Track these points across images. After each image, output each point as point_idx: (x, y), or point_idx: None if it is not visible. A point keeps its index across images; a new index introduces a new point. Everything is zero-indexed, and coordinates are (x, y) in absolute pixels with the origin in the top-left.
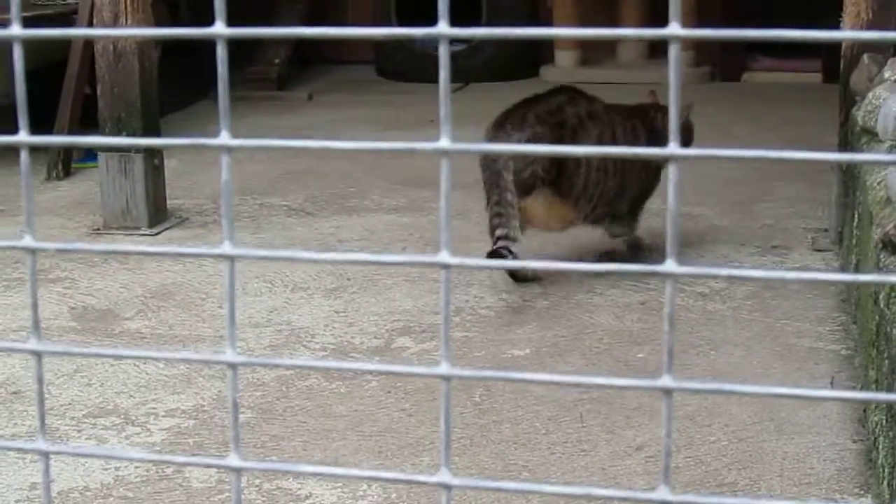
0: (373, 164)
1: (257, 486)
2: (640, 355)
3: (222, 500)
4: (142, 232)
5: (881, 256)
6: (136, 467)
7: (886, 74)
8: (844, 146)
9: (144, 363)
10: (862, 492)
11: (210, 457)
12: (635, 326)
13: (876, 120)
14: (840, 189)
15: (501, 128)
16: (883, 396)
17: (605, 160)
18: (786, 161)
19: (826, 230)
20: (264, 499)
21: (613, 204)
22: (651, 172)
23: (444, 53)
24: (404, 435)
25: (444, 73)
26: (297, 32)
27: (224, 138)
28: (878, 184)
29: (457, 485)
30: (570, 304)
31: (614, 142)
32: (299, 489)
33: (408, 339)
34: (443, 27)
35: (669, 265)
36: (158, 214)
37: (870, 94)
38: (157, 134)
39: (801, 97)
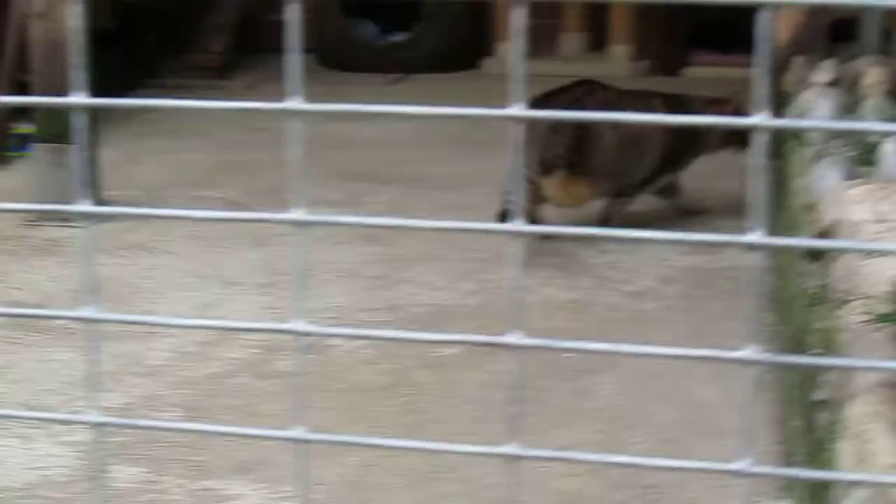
0: (310, 156)
1: (181, 485)
2: (567, 355)
3: (148, 501)
4: (76, 224)
5: (803, 264)
6: (61, 467)
7: (815, 78)
8: (775, 148)
9: (73, 361)
10: (782, 494)
11: (277, 428)
12: (565, 326)
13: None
14: (773, 189)
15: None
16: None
17: (622, 142)
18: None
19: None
20: (190, 499)
21: (625, 184)
22: (660, 155)
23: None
24: (331, 434)
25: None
26: None
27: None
28: (803, 188)
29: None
30: (501, 303)
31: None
32: (224, 489)
33: (339, 338)
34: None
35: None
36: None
37: (799, 97)
38: (94, 123)
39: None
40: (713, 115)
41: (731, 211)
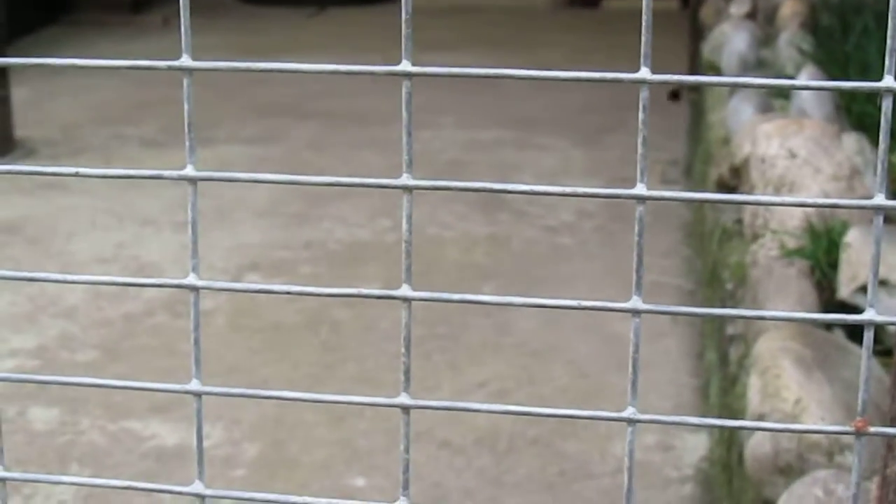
0: (227, 92)
1: (99, 426)
2: (486, 289)
3: (64, 443)
4: None
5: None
6: None
7: (732, 10)
8: None
9: None
10: (696, 429)
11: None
12: (483, 261)
13: (721, 56)
14: (688, 121)
15: None
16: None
17: None
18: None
19: (676, 162)
20: (108, 440)
21: None
22: None
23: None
24: (250, 374)
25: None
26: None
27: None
28: (719, 122)
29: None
30: (419, 239)
31: None
32: (143, 430)
33: (256, 275)
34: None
35: None
36: (5, 145)
37: (716, 30)
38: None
39: (658, 25)
40: None
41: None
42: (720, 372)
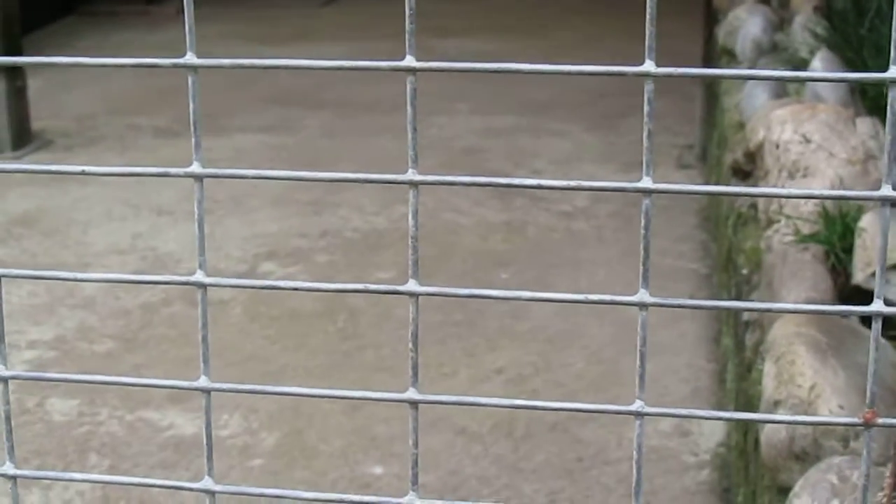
0: (241, 81)
1: (119, 417)
2: (503, 276)
3: (83, 434)
4: (4, 155)
5: (732, 182)
6: None
7: None
8: (707, 63)
9: (7, 293)
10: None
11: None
12: (500, 247)
13: (735, 41)
14: (704, 105)
15: None
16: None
17: None
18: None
19: (692, 146)
20: (126, 430)
21: None
22: None
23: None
24: (267, 363)
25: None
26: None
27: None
28: (734, 106)
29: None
30: (435, 225)
31: None
32: (160, 420)
33: (272, 264)
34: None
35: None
36: (22, 137)
37: (730, 14)
38: (20, 53)
39: (673, 9)
40: None
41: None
42: (736, 357)
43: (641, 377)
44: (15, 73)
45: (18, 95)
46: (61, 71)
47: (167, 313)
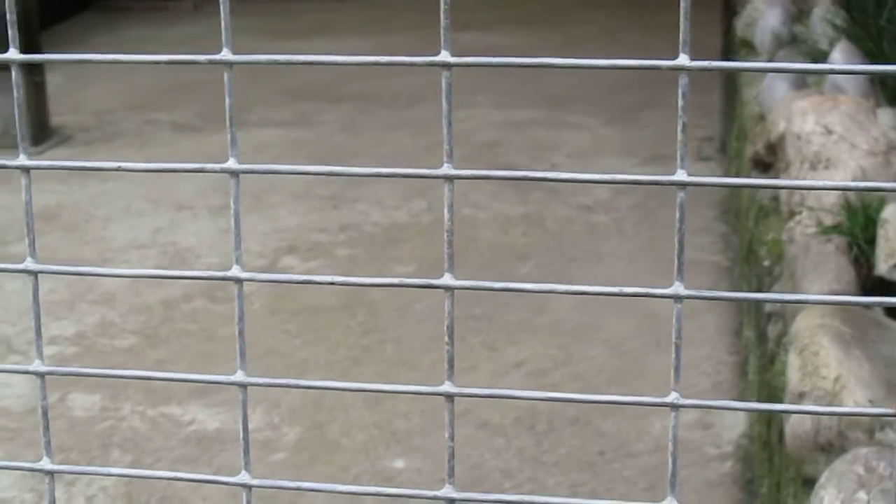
0: (259, 75)
1: (141, 412)
2: (522, 270)
3: (105, 429)
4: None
5: (753, 174)
6: (19, 397)
7: None
8: (726, 55)
9: (25, 291)
10: None
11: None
12: (519, 241)
13: (754, 32)
14: (723, 97)
15: None
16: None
17: None
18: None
19: (711, 138)
20: (148, 425)
21: None
22: None
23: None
24: (287, 357)
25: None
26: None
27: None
28: (754, 98)
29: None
30: (454, 219)
31: None
32: (182, 415)
33: (293, 258)
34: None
35: None
36: (42, 132)
37: (749, 6)
38: (38, 49)
39: (692, 0)
40: None
41: None
42: (758, 349)
43: (677, 369)
44: (34, 68)
45: (37, 91)
46: (79, 66)
47: (188, 309)
